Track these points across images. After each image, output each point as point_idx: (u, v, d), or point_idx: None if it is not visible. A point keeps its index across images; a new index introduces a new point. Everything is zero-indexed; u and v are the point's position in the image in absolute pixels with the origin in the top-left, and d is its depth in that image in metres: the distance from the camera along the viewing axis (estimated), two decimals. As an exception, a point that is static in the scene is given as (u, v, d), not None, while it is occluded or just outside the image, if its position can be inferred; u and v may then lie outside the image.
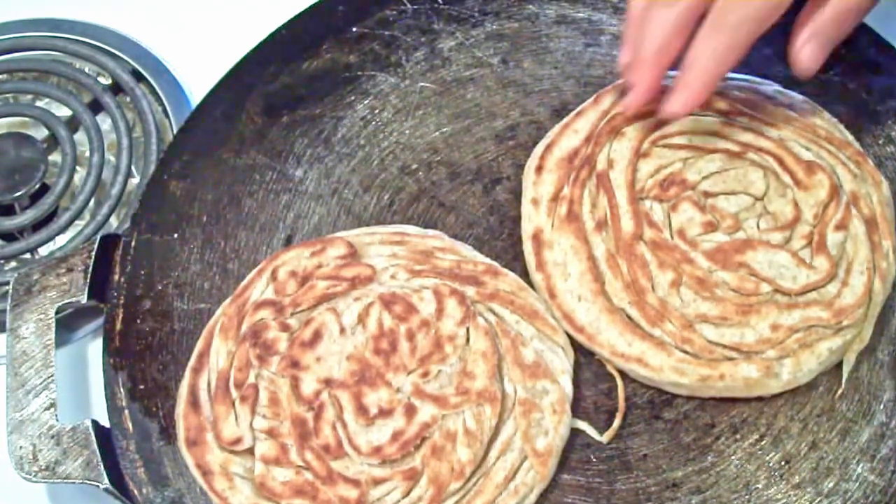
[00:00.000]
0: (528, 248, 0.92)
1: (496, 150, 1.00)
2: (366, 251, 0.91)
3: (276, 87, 1.04)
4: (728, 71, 0.86)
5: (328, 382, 0.85)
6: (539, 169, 0.94)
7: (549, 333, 0.88)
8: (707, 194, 0.91)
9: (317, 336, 0.86)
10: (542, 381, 0.85)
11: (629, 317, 0.88)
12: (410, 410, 0.83)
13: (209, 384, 0.88)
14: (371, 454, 0.82)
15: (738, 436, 0.87)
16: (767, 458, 0.86)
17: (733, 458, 0.86)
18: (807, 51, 0.87)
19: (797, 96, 0.96)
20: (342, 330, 0.87)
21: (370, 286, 0.89)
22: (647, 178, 0.92)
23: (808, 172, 0.90)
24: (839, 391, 0.87)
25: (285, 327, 0.87)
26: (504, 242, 0.96)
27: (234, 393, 0.86)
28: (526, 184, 0.94)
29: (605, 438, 0.87)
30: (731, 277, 0.87)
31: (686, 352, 0.86)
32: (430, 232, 0.94)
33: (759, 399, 0.88)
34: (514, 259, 0.94)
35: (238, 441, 0.84)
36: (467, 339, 0.86)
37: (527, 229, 0.93)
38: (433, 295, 0.87)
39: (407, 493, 0.82)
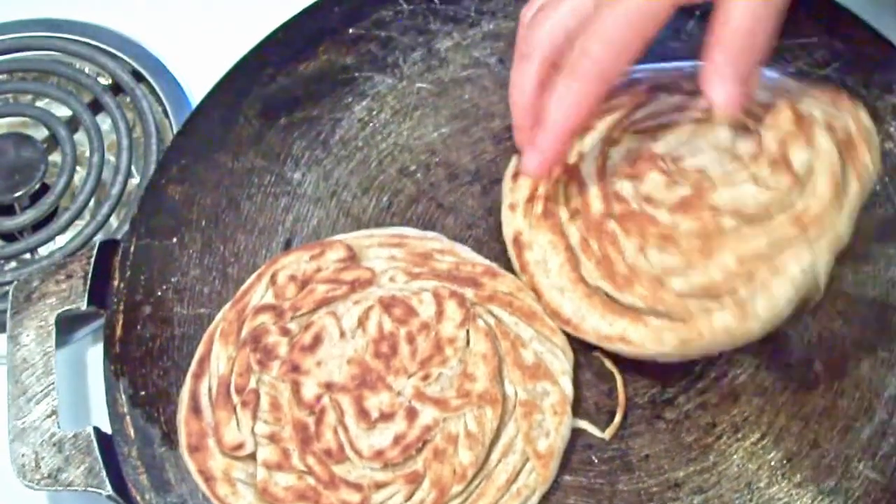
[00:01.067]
0: (511, 252, 0.91)
1: (494, 150, 0.99)
2: (365, 254, 0.91)
3: (273, 89, 1.03)
4: (582, 121, 0.82)
5: (329, 386, 0.84)
6: (515, 176, 0.93)
7: (548, 335, 0.87)
8: (675, 160, 0.88)
9: (317, 340, 0.86)
10: (543, 382, 0.85)
11: (607, 295, 0.86)
12: (412, 414, 0.83)
13: (210, 389, 0.87)
14: (373, 458, 0.82)
15: (739, 435, 0.86)
16: (769, 457, 0.85)
17: (735, 457, 0.85)
18: (718, 93, 0.79)
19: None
20: (342, 334, 0.86)
21: (370, 289, 0.88)
22: (618, 162, 0.90)
23: (773, 111, 0.87)
24: (818, 298, 0.84)
25: (285, 332, 0.87)
26: (503, 244, 0.94)
27: (236, 398, 0.85)
28: (504, 191, 0.94)
29: (606, 435, 0.86)
30: (694, 223, 0.84)
31: (660, 313, 0.84)
32: (429, 234, 0.94)
33: (761, 398, 0.87)
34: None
35: (240, 446, 0.84)
36: (467, 342, 0.86)
37: (507, 234, 0.92)
38: (433, 297, 0.87)
39: (409, 497, 0.82)
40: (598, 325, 0.86)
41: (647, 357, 0.85)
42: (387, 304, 0.86)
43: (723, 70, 0.78)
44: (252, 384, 0.85)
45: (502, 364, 0.85)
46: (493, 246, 0.94)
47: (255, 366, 0.85)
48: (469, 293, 0.88)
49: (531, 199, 0.91)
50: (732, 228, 0.83)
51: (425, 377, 0.84)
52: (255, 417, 0.84)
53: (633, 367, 0.88)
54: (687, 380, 0.88)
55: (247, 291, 0.90)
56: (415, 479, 0.81)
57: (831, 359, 0.88)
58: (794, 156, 0.84)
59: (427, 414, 0.82)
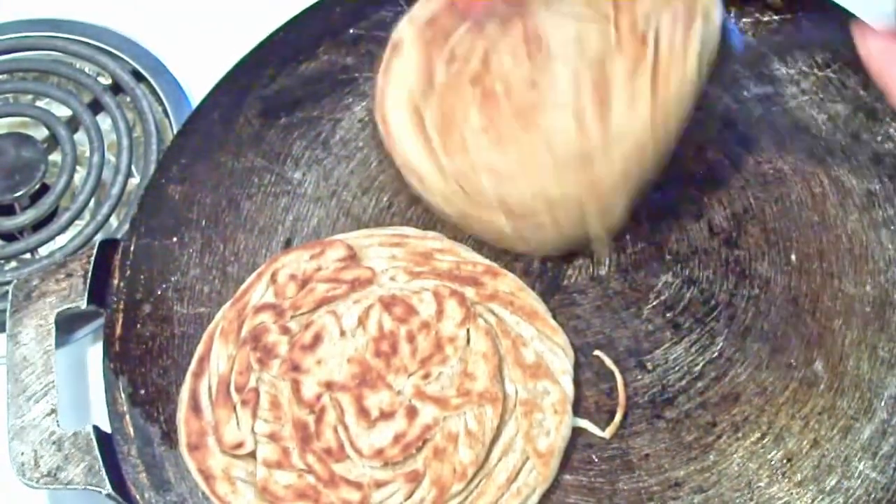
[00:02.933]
0: None
1: None
2: (365, 253, 0.91)
3: (274, 89, 1.03)
4: None
5: (329, 385, 0.84)
6: None
7: (549, 334, 0.88)
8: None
9: (317, 339, 0.86)
10: (543, 381, 0.85)
11: None
12: (412, 412, 0.83)
13: (210, 388, 0.87)
14: (373, 456, 0.82)
15: (739, 434, 0.86)
16: (769, 456, 0.85)
17: (735, 456, 0.85)
18: None
19: None
20: (342, 332, 0.86)
21: (370, 288, 0.88)
22: None
23: None
24: None
25: (285, 330, 0.87)
26: (503, 243, 0.93)
27: (236, 397, 0.85)
28: None
29: (607, 434, 0.86)
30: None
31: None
32: (430, 233, 0.94)
33: (761, 398, 0.87)
34: (513, 260, 0.94)
35: (240, 445, 0.84)
36: (468, 341, 0.86)
37: None
38: (433, 296, 0.87)
39: (409, 496, 0.82)
40: None
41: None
42: (387, 303, 0.86)
43: None
44: (252, 383, 0.85)
45: (503, 363, 0.85)
46: (493, 245, 0.94)
47: (255, 364, 0.85)
48: (470, 292, 0.88)
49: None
50: None
51: (425, 376, 0.84)
52: (254, 416, 0.84)
53: (633, 366, 0.89)
54: (687, 379, 0.88)
55: (247, 290, 0.90)
56: (415, 478, 0.81)
57: (831, 359, 0.88)
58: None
59: (427, 413, 0.82)
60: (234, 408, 0.84)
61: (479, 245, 0.94)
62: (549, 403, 0.84)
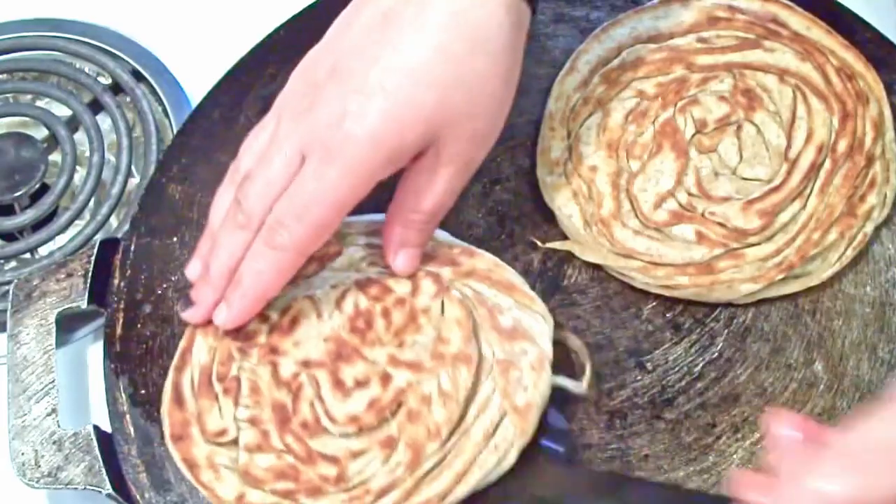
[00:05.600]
0: None
1: (494, 150, 0.97)
2: (346, 241, 0.92)
3: (274, 88, 1.03)
4: (276, 289, 0.85)
5: (306, 364, 0.86)
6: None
7: (528, 303, 0.88)
8: None
9: (294, 322, 0.88)
10: (521, 342, 0.86)
11: None
12: (386, 378, 0.85)
13: (192, 380, 0.89)
14: (348, 423, 0.83)
15: (739, 435, 0.87)
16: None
17: (735, 457, 0.86)
18: (399, 260, 0.87)
19: None
20: (319, 315, 0.89)
21: (347, 273, 0.90)
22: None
23: None
24: None
25: (264, 318, 0.89)
26: (503, 243, 0.97)
27: (218, 386, 0.87)
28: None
29: (584, 385, 0.85)
30: None
31: None
32: None
33: (761, 398, 0.88)
34: (513, 259, 0.95)
35: (223, 433, 0.86)
36: (442, 312, 0.87)
37: None
38: (408, 277, 0.89)
39: (386, 461, 0.83)
40: None
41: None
42: (362, 285, 0.89)
43: (410, 241, 0.87)
44: (234, 372, 0.88)
45: (478, 328, 0.86)
46: (493, 245, 0.96)
47: (236, 354, 0.88)
48: (446, 272, 0.89)
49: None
50: None
51: (400, 344, 0.86)
52: (236, 403, 0.86)
53: (633, 366, 0.90)
54: (687, 380, 0.90)
55: None
56: (390, 444, 0.83)
57: (831, 359, 0.90)
58: None
59: (401, 377, 0.84)
60: (217, 397, 0.87)
61: (479, 244, 0.93)
62: (527, 362, 0.85)
